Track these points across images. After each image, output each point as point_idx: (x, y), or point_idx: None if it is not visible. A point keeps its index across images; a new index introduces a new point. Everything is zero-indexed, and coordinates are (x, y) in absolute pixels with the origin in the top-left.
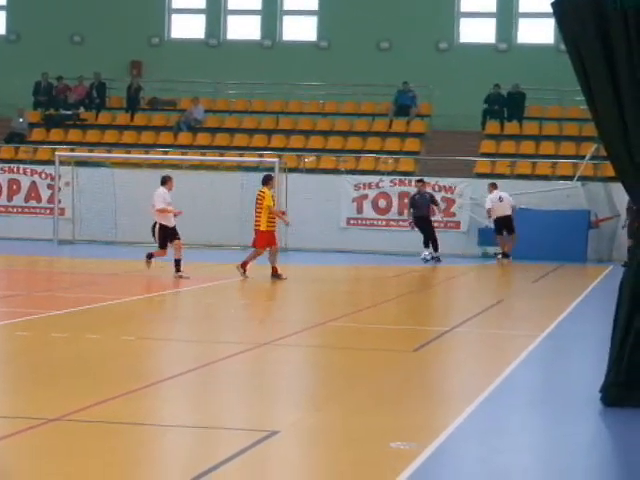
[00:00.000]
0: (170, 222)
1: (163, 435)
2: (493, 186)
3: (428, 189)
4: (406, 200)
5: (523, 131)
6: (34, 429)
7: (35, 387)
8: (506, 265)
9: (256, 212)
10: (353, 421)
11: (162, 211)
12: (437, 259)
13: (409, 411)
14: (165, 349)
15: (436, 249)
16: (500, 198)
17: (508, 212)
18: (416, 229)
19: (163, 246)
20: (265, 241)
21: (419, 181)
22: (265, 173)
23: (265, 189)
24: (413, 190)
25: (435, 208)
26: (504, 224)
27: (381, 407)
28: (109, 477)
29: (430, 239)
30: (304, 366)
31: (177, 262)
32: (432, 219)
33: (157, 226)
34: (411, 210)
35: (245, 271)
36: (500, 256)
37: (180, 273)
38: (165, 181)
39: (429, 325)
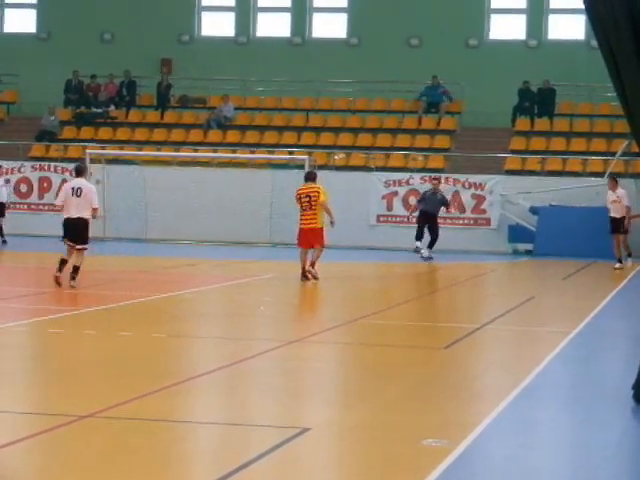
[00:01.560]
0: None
1: (195, 432)
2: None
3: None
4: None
5: (554, 127)
6: (66, 426)
7: (67, 384)
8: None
9: (310, 209)
10: (385, 418)
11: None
12: (430, 258)
13: (441, 408)
14: (196, 346)
15: (431, 247)
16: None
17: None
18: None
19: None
20: (322, 239)
21: (435, 179)
22: (307, 170)
23: (318, 185)
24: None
25: (445, 210)
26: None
27: (413, 404)
28: (141, 474)
29: (433, 237)
30: (335, 363)
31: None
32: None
33: (84, 223)
34: (419, 204)
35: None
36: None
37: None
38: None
39: (460, 322)
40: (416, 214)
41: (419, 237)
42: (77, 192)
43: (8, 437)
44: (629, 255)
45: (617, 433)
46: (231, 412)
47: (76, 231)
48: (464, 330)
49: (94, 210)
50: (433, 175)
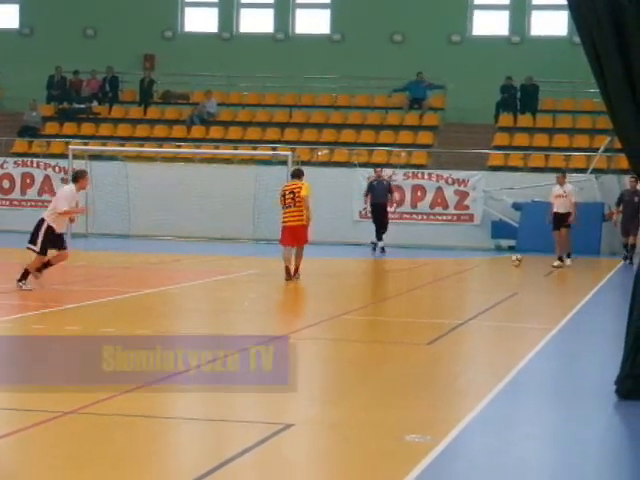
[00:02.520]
0: (61, 227)
1: (178, 428)
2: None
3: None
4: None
5: (536, 124)
6: (49, 422)
7: (49, 381)
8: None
9: (295, 206)
10: (367, 414)
11: (65, 214)
12: (382, 249)
13: (424, 404)
14: (180, 342)
15: (381, 238)
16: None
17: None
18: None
19: (44, 251)
20: (306, 236)
21: (377, 168)
22: (293, 167)
23: (302, 182)
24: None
25: (390, 197)
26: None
27: (395, 400)
28: (124, 469)
29: (382, 228)
30: (318, 360)
31: (27, 273)
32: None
33: (44, 227)
34: (368, 197)
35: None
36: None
37: (22, 284)
38: (77, 178)
39: (443, 318)
40: (368, 207)
41: (380, 235)
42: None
43: None
44: (568, 255)
45: (600, 428)
46: (214, 408)
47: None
48: (447, 326)
49: (60, 214)
50: (392, 169)
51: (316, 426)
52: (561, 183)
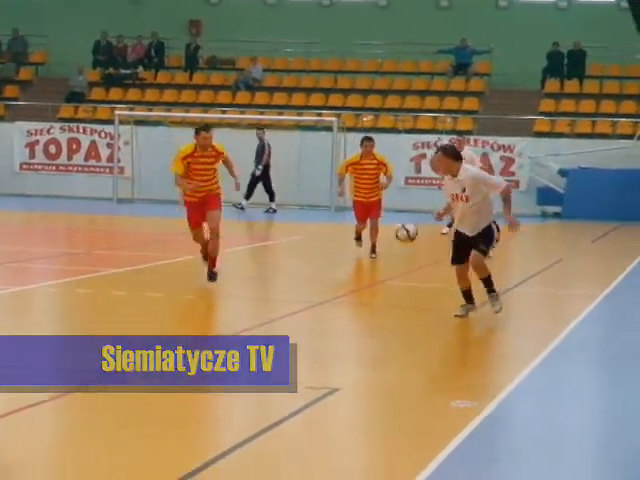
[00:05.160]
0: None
1: (227, 394)
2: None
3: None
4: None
5: (583, 89)
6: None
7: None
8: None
9: (373, 181)
10: (412, 380)
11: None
12: (274, 210)
13: (469, 370)
14: (224, 307)
15: (273, 199)
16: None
17: None
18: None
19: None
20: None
21: (260, 129)
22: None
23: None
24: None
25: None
26: None
27: (440, 366)
28: (172, 435)
29: (269, 189)
30: (361, 325)
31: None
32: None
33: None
34: (260, 159)
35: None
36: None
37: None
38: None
39: None
40: (259, 172)
41: (273, 198)
42: None
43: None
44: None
45: None
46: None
47: None
48: None
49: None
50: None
51: (362, 391)
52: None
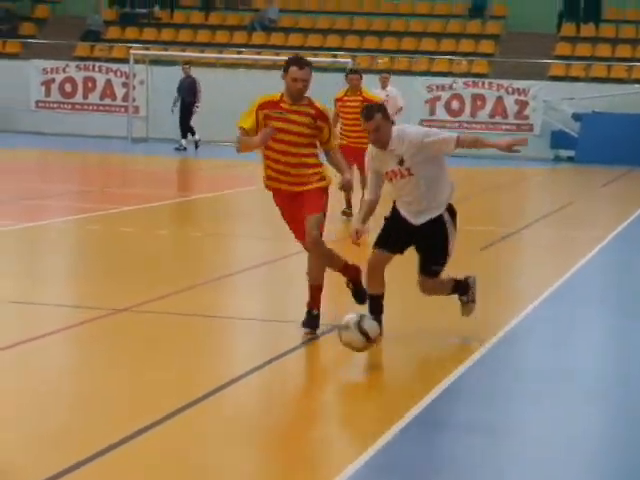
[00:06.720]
0: None
1: (228, 326)
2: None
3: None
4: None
5: (599, 33)
6: (102, 319)
7: (104, 279)
8: None
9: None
10: (417, 318)
11: None
12: (184, 148)
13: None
14: (231, 245)
15: (185, 136)
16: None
17: None
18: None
19: None
20: None
21: (186, 63)
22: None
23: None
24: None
25: (197, 95)
26: None
27: (443, 304)
28: (174, 366)
29: (187, 127)
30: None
31: None
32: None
33: None
34: (178, 95)
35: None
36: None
37: None
38: None
39: (497, 225)
40: (177, 108)
41: (185, 135)
42: None
43: (47, 328)
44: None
45: None
46: (264, 308)
47: None
48: (500, 233)
49: None
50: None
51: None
52: (384, 85)
